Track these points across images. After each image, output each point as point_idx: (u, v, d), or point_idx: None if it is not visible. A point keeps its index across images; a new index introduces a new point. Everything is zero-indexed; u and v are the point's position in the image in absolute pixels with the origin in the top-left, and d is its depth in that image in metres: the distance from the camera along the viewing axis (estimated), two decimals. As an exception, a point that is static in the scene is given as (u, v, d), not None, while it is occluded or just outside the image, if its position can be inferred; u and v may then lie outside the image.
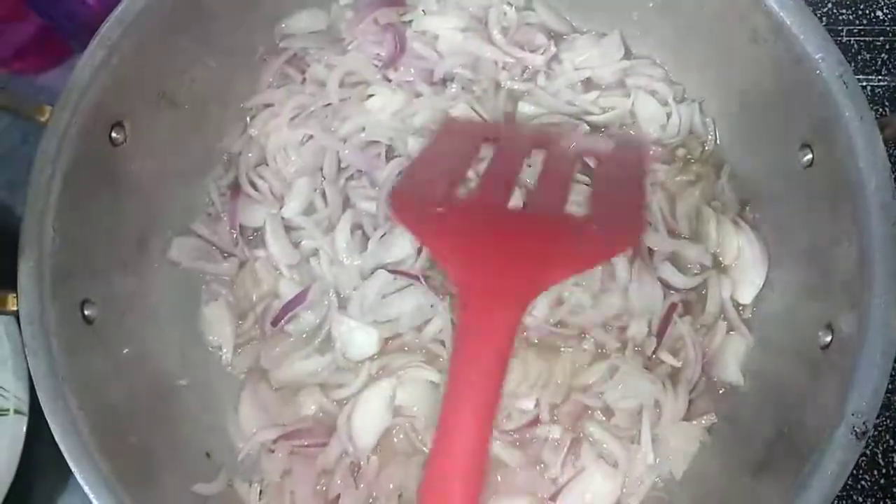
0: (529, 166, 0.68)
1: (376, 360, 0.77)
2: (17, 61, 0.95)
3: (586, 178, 0.75)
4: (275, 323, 0.77)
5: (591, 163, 0.72)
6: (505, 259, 0.54)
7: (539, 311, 0.77)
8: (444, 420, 0.48)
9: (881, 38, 0.97)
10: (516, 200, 0.62)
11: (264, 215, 0.81)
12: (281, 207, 0.81)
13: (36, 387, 0.62)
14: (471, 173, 0.64)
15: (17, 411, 0.77)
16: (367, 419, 0.74)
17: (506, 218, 0.58)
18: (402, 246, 0.78)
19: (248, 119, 0.85)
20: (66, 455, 0.61)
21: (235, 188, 0.82)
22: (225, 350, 0.79)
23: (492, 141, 0.66)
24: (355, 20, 0.85)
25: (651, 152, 0.72)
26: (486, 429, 0.48)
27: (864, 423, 0.59)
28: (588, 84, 0.85)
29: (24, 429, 0.77)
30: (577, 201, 0.63)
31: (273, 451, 0.74)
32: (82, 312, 0.68)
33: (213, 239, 0.81)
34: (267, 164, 0.83)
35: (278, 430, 0.75)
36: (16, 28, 0.91)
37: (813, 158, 0.69)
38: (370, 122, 0.82)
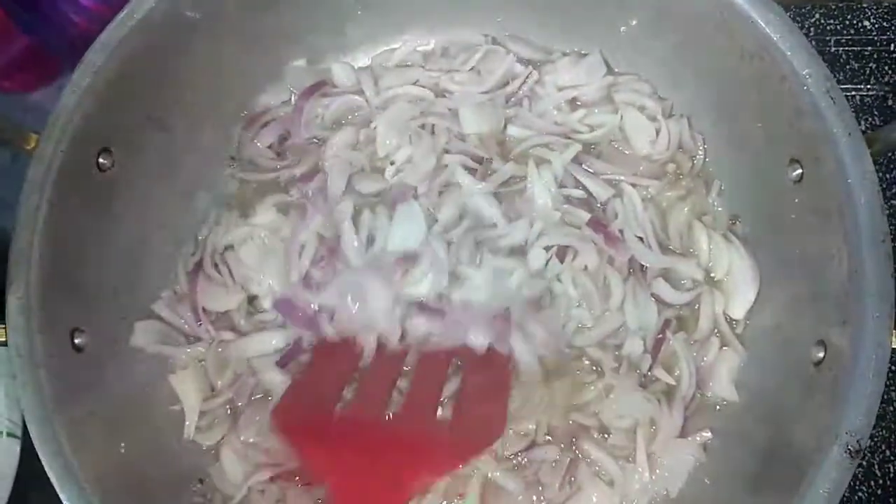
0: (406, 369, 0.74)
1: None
2: (7, 80, 0.95)
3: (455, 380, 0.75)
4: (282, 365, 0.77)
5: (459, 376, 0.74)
6: (376, 475, 0.61)
7: (552, 332, 0.77)
8: None
9: (869, 48, 0.97)
10: (390, 407, 0.69)
11: (226, 301, 0.79)
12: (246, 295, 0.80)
13: (25, 420, 0.62)
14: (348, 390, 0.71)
15: (10, 434, 0.76)
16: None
17: (377, 431, 0.66)
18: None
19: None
20: (56, 488, 0.60)
21: (198, 267, 0.80)
22: (188, 423, 0.76)
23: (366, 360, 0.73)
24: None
25: (510, 369, 0.75)
26: None
27: (857, 442, 0.59)
28: (574, 104, 0.85)
29: (18, 452, 0.77)
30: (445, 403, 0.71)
31: (264, 491, 0.74)
32: (72, 341, 0.68)
33: (176, 322, 0.79)
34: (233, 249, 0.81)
35: (269, 470, 0.74)
36: (5, 47, 0.91)
37: (802, 174, 0.69)
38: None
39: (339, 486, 0.61)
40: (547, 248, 0.77)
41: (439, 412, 0.70)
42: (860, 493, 0.86)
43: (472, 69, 0.85)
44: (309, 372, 0.74)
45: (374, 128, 0.83)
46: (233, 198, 0.84)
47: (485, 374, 0.72)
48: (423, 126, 0.83)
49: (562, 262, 0.77)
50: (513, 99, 0.85)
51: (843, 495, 0.84)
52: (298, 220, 0.80)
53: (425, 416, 0.67)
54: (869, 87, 0.96)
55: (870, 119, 0.96)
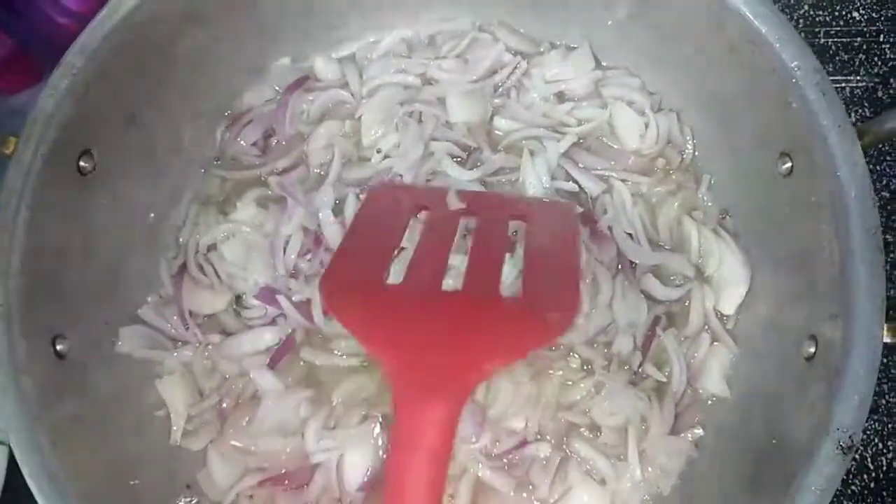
0: (465, 235, 0.66)
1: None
2: (-9, 82, 0.94)
3: (519, 250, 0.72)
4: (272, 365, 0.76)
5: (522, 234, 0.69)
6: (438, 355, 0.53)
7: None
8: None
9: (858, 39, 0.97)
10: (449, 280, 0.61)
11: (213, 303, 0.78)
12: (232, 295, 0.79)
13: (7, 428, 0.61)
14: (405, 242, 0.64)
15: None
16: (357, 460, 0.73)
17: (438, 305, 0.57)
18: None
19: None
20: (38, 498, 0.60)
21: (182, 270, 0.80)
22: (175, 428, 0.75)
23: (421, 208, 0.66)
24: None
25: (578, 214, 0.71)
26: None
27: (849, 438, 0.58)
28: (561, 98, 0.84)
29: (6, 458, 0.76)
30: (511, 273, 0.64)
31: (252, 497, 0.73)
32: (54, 347, 0.66)
33: (162, 326, 0.78)
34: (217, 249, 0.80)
35: (257, 475, 0.74)
36: (-14, 49, 0.89)
37: (792, 167, 0.68)
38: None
39: (397, 366, 0.52)
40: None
41: (506, 284, 0.61)
42: (853, 487, 0.86)
43: (459, 57, 0.84)
44: (358, 226, 0.67)
45: (360, 117, 0.82)
46: (212, 196, 0.83)
47: (550, 233, 0.65)
48: (410, 114, 0.82)
49: (551, 259, 0.76)
50: (500, 89, 0.84)
51: (837, 489, 0.85)
52: (280, 214, 0.79)
53: (490, 286, 0.58)
54: (859, 78, 0.96)
55: (860, 111, 0.95)
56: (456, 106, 0.81)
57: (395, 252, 0.62)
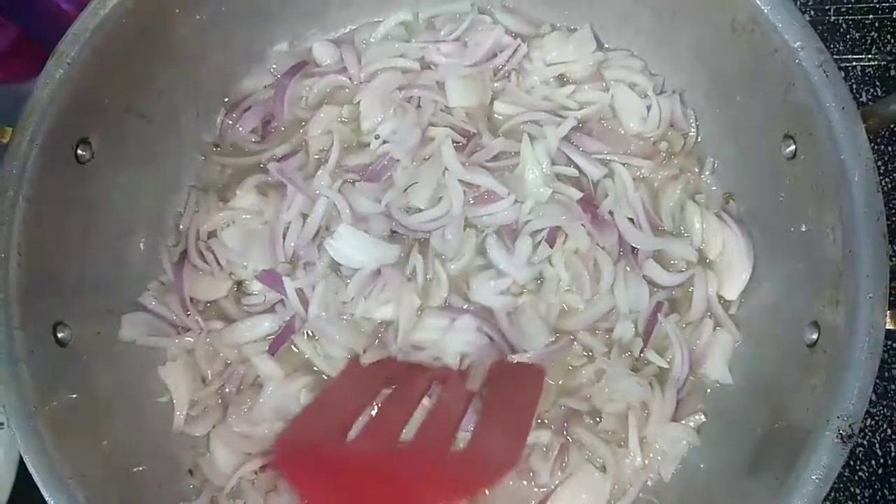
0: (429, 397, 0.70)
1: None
2: (-1, 70, 0.94)
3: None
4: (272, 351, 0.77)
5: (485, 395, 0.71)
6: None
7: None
8: None
9: (870, 17, 0.94)
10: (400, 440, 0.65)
11: (214, 289, 0.79)
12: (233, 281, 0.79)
13: (7, 416, 0.61)
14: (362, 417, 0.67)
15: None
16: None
17: (385, 462, 0.61)
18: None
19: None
20: (39, 484, 0.60)
21: (183, 257, 0.80)
22: (178, 413, 0.76)
23: (390, 383, 0.70)
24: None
25: (545, 375, 0.73)
26: None
27: (850, 427, 0.57)
28: (562, 80, 0.82)
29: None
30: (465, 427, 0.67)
31: (255, 482, 0.74)
32: (55, 335, 0.67)
33: (165, 313, 0.78)
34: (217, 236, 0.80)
35: (259, 460, 0.74)
36: (-7, 37, 0.89)
37: (796, 150, 0.67)
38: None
39: None
40: (535, 234, 0.76)
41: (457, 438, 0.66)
42: (861, 473, 0.85)
43: (458, 40, 0.83)
44: (321, 401, 0.72)
45: (358, 103, 0.81)
46: (212, 183, 0.83)
47: (514, 389, 0.69)
48: (409, 99, 0.81)
49: (552, 245, 0.76)
50: (501, 72, 0.83)
51: (844, 475, 0.85)
52: (280, 201, 0.79)
53: (440, 444, 0.63)
54: (870, 56, 0.93)
55: (871, 90, 0.93)
56: (455, 90, 0.80)
57: (354, 420, 0.67)
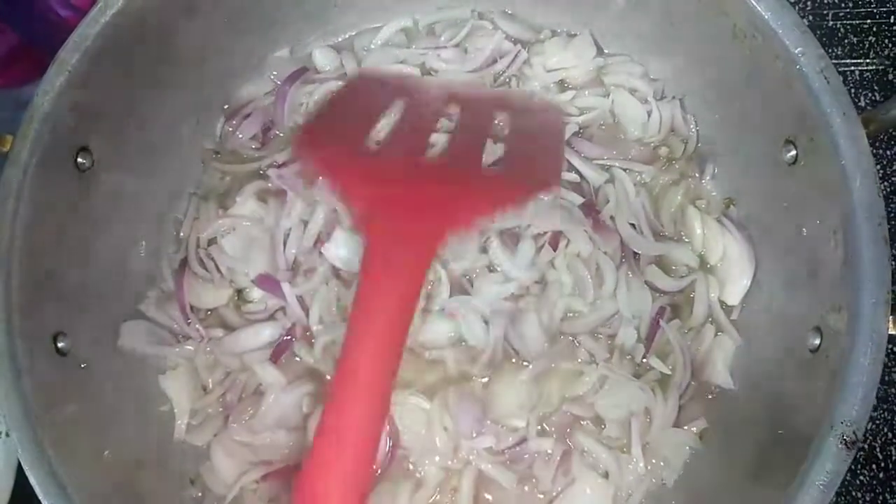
0: (449, 119, 0.64)
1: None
2: (-1, 76, 0.94)
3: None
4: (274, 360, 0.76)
5: (507, 122, 0.64)
6: (413, 203, 0.51)
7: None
8: (339, 377, 0.45)
9: (868, 21, 0.95)
10: (429, 152, 0.59)
11: (214, 297, 0.78)
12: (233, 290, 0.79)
13: (8, 426, 0.61)
14: (383, 123, 0.60)
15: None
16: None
17: (416, 165, 0.55)
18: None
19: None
20: (40, 496, 0.60)
21: (183, 265, 0.79)
22: (179, 422, 0.76)
23: (405, 96, 0.62)
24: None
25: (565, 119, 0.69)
26: (381, 403, 0.45)
27: (853, 432, 0.57)
28: (562, 86, 0.83)
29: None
30: (494, 153, 0.60)
31: (256, 491, 0.73)
32: (55, 345, 0.67)
33: (165, 321, 0.78)
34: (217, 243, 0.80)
35: (261, 469, 0.74)
36: (-8, 43, 0.89)
37: (797, 155, 0.67)
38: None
39: (370, 222, 0.50)
40: (538, 237, 0.76)
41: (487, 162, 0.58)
42: (862, 477, 0.85)
43: (458, 46, 0.83)
44: (341, 97, 0.64)
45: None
46: (213, 190, 0.83)
47: (536, 120, 0.63)
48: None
49: (555, 249, 0.76)
50: (501, 78, 0.83)
51: (845, 479, 0.84)
52: (280, 207, 0.78)
53: (472, 156, 0.56)
54: (868, 61, 0.94)
55: (870, 94, 0.93)
56: None
57: (377, 121, 0.59)
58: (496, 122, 0.62)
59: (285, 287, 0.76)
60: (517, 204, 0.60)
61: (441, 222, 0.50)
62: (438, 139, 0.61)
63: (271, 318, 0.78)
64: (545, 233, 0.76)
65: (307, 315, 0.76)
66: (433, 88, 0.65)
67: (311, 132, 0.59)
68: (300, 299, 0.76)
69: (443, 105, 0.63)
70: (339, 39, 0.86)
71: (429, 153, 0.57)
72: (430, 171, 0.55)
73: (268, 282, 0.77)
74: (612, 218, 0.77)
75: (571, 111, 0.81)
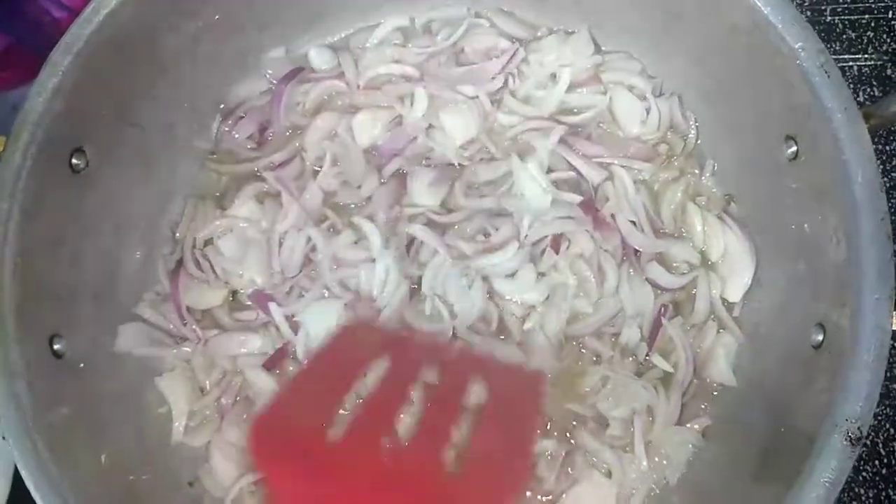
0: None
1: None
2: (-12, 79, 0.93)
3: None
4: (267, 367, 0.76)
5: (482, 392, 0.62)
6: None
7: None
8: None
9: (866, 16, 0.94)
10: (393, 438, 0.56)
11: (209, 298, 0.78)
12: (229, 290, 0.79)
13: (4, 430, 0.60)
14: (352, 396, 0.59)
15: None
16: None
17: (375, 474, 0.52)
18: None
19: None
20: (37, 500, 0.59)
21: (178, 266, 0.79)
22: (176, 424, 0.75)
23: (383, 355, 0.61)
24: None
25: (544, 383, 0.65)
26: None
27: (858, 429, 0.57)
28: (555, 79, 0.81)
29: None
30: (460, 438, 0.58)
31: (255, 492, 0.73)
32: (51, 347, 0.66)
33: (161, 323, 0.77)
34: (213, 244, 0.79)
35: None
36: (-18, 45, 0.88)
37: (797, 151, 0.67)
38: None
39: None
40: (537, 244, 0.76)
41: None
42: (864, 473, 0.85)
43: (455, 45, 0.82)
44: (303, 378, 0.62)
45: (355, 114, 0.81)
46: (209, 191, 0.82)
47: (512, 397, 0.61)
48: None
49: (557, 252, 0.75)
50: (500, 76, 0.81)
51: (848, 476, 0.84)
52: (276, 210, 0.78)
53: (434, 454, 0.54)
54: (867, 56, 0.93)
55: (868, 90, 0.93)
56: (451, 124, 0.79)
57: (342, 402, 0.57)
58: (472, 392, 0.60)
59: (273, 309, 0.75)
60: None
61: None
62: (405, 421, 0.58)
63: (263, 327, 0.78)
64: (545, 237, 0.76)
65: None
66: (411, 350, 0.63)
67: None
68: (290, 318, 0.76)
69: (419, 368, 0.60)
70: (335, 38, 0.86)
71: (392, 438, 0.54)
72: (389, 474, 0.51)
73: (260, 299, 0.77)
74: (612, 216, 0.76)
75: (570, 110, 0.81)
